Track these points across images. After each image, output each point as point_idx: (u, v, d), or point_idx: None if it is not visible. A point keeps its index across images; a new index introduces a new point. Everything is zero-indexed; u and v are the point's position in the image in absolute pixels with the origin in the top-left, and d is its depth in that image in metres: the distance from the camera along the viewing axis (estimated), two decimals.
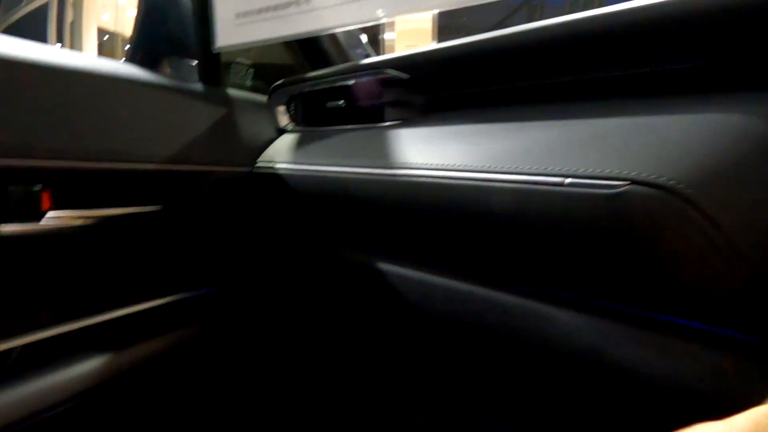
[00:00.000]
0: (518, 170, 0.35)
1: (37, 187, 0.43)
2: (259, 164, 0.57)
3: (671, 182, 0.28)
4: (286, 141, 0.60)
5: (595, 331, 0.35)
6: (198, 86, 0.57)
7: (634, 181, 0.29)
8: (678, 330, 0.32)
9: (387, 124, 0.55)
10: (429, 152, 0.42)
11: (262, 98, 0.66)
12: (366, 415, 0.83)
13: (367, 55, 0.74)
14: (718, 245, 0.27)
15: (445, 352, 0.46)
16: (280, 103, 0.65)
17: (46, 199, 0.44)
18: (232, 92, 0.61)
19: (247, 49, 0.63)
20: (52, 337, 0.45)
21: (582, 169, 0.32)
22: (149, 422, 0.59)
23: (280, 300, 0.68)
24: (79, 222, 0.45)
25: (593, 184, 0.31)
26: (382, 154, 0.46)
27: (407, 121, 0.53)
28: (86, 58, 0.46)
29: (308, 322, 0.72)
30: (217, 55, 0.58)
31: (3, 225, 0.42)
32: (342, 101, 0.59)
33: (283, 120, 0.65)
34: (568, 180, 0.32)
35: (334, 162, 0.49)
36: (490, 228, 0.37)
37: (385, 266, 0.48)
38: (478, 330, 0.42)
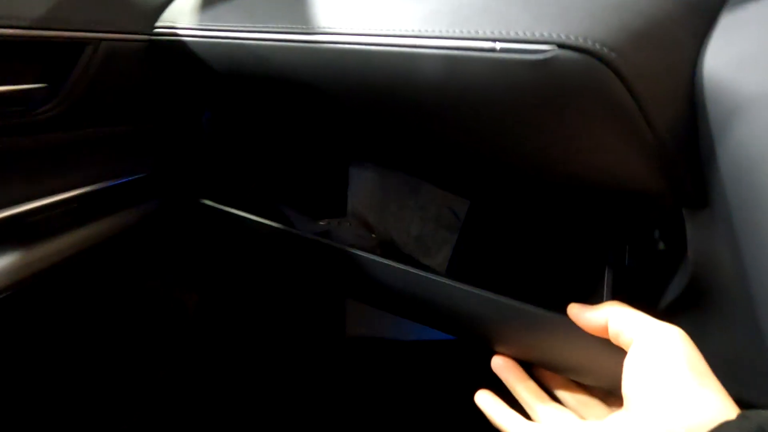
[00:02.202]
0: (449, 34, 0.33)
1: None
2: (157, 29, 0.49)
3: (596, 45, 0.28)
4: None
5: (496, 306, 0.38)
6: None
7: (560, 45, 0.29)
8: (588, 190, 0.35)
9: None
10: (351, 12, 0.38)
11: None
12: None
13: None
14: (631, 112, 0.29)
15: None
16: None
17: None
18: None
19: None
20: None
21: (513, 32, 0.30)
22: (83, 313, 0.59)
23: (210, 181, 0.65)
24: None
25: (524, 49, 0.30)
26: (301, 14, 0.40)
27: None
28: None
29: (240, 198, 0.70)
30: None
31: None
32: None
33: None
34: (499, 45, 0.31)
35: (246, 24, 0.43)
36: (419, 100, 0.35)
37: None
38: None
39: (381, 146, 0.44)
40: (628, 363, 0.28)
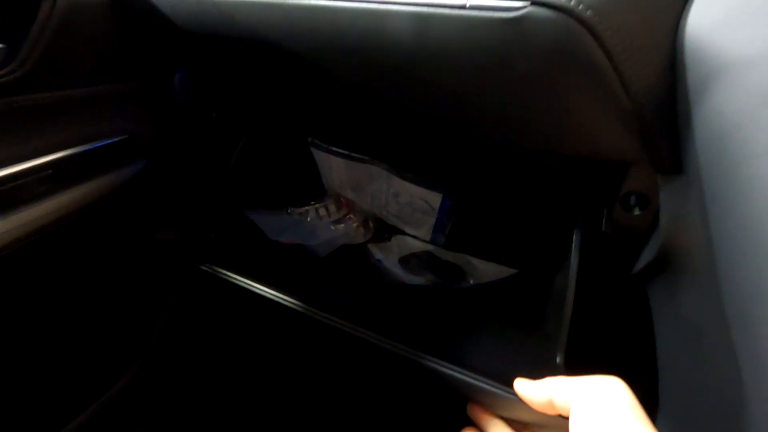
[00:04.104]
0: None
1: None
2: None
3: (572, 2, 0.26)
4: None
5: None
6: None
7: (534, 2, 0.27)
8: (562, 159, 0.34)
9: None
10: None
11: None
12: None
13: None
14: (606, 72, 0.27)
15: None
16: None
17: None
18: None
19: None
20: None
21: None
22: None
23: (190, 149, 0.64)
24: None
25: (495, 6, 0.28)
26: None
27: None
28: None
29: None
30: None
31: None
32: None
33: None
34: (470, 2, 0.29)
35: None
36: (389, 60, 0.34)
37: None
38: None
39: (349, 126, 0.43)
40: (572, 422, 0.29)
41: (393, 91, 0.37)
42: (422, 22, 0.30)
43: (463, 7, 0.29)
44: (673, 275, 0.34)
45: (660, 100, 0.28)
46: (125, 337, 0.65)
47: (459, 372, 0.41)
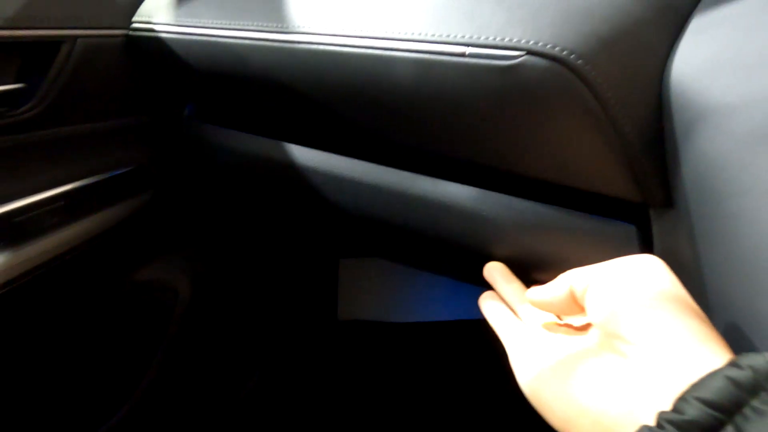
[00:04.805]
0: (420, 38, 0.32)
1: None
2: (134, 24, 0.48)
3: (564, 53, 0.28)
4: None
5: (491, 201, 0.38)
6: None
7: (529, 51, 0.29)
8: (560, 196, 0.36)
9: None
10: (327, 11, 0.38)
11: None
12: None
13: None
14: (597, 116, 0.29)
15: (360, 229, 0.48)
16: None
17: None
18: None
19: None
20: None
21: (484, 37, 0.30)
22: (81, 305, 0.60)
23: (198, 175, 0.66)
24: None
25: (493, 54, 0.30)
26: (276, 11, 0.40)
27: None
28: None
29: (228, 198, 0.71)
30: None
31: None
32: None
33: None
34: (470, 50, 0.31)
35: (222, 21, 0.42)
36: (394, 102, 0.36)
37: (297, 155, 0.46)
38: (385, 216, 0.43)
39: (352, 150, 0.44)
40: (601, 301, 0.24)
41: (395, 129, 0.38)
42: (425, 68, 0.32)
43: (462, 54, 0.31)
44: None
45: (649, 139, 0.30)
46: (122, 370, 0.65)
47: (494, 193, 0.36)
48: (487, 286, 0.38)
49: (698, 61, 0.28)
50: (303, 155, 0.46)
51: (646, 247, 0.34)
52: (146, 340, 0.66)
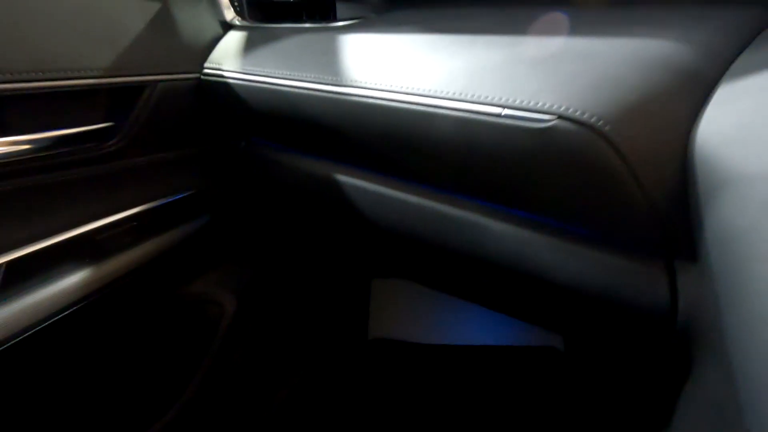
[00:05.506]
0: (461, 97, 0.36)
1: None
2: (206, 70, 0.55)
3: (592, 119, 0.31)
4: (234, 40, 0.56)
5: (521, 240, 0.41)
6: None
7: (561, 116, 0.32)
8: (590, 243, 0.38)
9: (341, 24, 0.52)
10: (377, 68, 0.42)
11: None
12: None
13: None
14: (624, 177, 0.31)
15: (396, 251, 0.52)
16: None
17: None
18: None
19: None
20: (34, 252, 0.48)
21: (519, 100, 0.34)
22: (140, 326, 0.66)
23: (253, 202, 0.71)
24: (27, 147, 0.45)
25: (526, 117, 0.33)
26: (331, 65, 0.45)
27: (365, 21, 0.51)
28: None
29: (280, 222, 0.76)
30: None
31: None
32: None
33: (229, 13, 0.60)
34: (505, 111, 0.34)
35: (282, 72, 0.48)
36: (435, 152, 0.39)
37: (343, 178, 0.51)
38: (425, 236, 0.47)
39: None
40: None
41: (436, 175, 0.42)
42: (463, 125, 0.36)
43: (498, 115, 0.34)
44: (691, 357, 0.37)
45: (675, 199, 0.32)
46: (174, 373, 0.71)
47: None
48: (510, 313, 0.41)
49: (722, 131, 0.30)
50: (349, 174, 0.50)
51: (673, 293, 0.36)
52: (194, 348, 0.72)
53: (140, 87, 0.51)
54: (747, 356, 0.27)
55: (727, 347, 0.30)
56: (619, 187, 0.32)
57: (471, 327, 1.05)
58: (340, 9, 0.53)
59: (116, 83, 0.49)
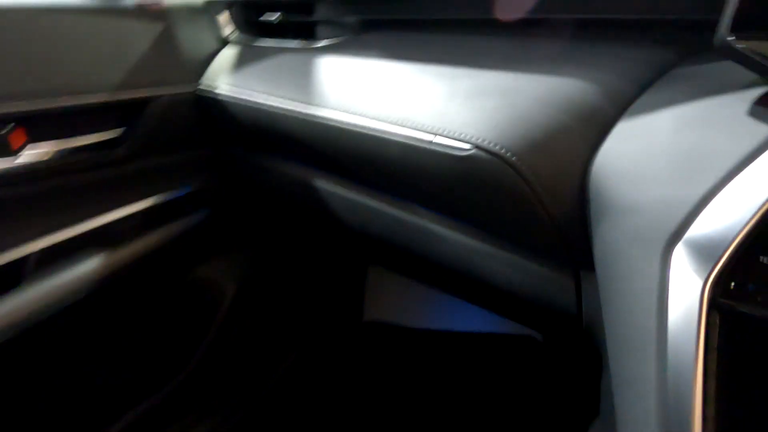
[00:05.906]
0: (403, 123, 0.42)
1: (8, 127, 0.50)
2: (202, 85, 0.62)
3: (502, 150, 0.37)
4: (228, 57, 0.63)
5: (470, 248, 0.47)
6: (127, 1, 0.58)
7: (478, 147, 0.37)
8: (518, 253, 0.44)
9: (321, 45, 0.58)
10: (340, 91, 0.48)
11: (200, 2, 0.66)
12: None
13: None
14: (530, 200, 0.37)
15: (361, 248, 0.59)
16: (220, 9, 0.65)
17: (20, 136, 0.51)
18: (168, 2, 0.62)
19: None
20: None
21: (447, 130, 0.39)
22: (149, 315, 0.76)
23: (249, 202, 0.79)
24: (51, 155, 0.53)
25: (451, 145, 0.39)
26: (304, 87, 0.51)
27: (340, 44, 0.57)
28: None
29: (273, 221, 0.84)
30: None
31: None
32: (276, 16, 0.61)
33: (225, 30, 0.66)
34: (436, 138, 0.40)
35: (263, 91, 0.54)
36: (389, 169, 0.46)
37: (323, 184, 0.58)
38: (392, 240, 0.54)
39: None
40: None
41: (389, 186, 0.49)
42: (405, 149, 0.42)
43: (430, 142, 0.40)
44: (595, 354, 0.43)
45: (573, 219, 0.38)
46: (179, 346, 0.81)
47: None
48: (475, 302, 0.48)
49: (612, 165, 0.36)
50: (328, 181, 0.58)
51: (578, 297, 0.42)
52: (197, 327, 0.81)
53: (146, 101, 0.59)
54: (612, 350, 0.34)
55: (605, 343, 0.36)
56: (527, 208, 0.38)
57: (462, 313, 1.11)
58: (324, 29, 0.59)
59: (126, 100, 0.57)
